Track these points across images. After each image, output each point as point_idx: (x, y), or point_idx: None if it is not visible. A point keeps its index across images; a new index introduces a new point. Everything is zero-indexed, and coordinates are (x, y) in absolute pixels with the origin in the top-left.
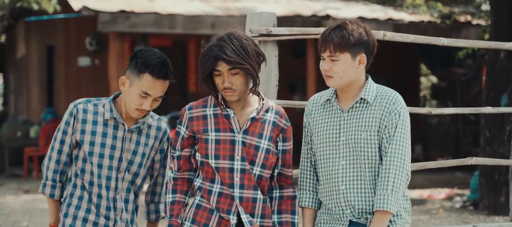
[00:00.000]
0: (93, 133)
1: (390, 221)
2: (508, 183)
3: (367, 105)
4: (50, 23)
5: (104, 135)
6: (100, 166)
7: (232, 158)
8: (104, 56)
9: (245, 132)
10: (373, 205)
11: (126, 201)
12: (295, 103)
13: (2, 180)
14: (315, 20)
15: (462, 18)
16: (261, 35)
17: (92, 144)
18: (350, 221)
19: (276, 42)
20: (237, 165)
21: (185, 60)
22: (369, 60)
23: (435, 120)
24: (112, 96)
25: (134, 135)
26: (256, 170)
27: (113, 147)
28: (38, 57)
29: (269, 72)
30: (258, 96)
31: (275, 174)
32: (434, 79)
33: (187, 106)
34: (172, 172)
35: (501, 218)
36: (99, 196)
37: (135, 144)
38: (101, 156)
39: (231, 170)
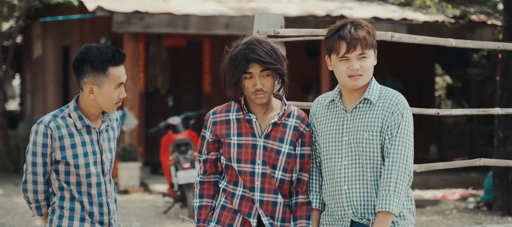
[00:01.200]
0: (73, 146)
1: (393, 222)
2: None
3: (371, 106)
4: (66, 24)
5: (83, 143)
6: (88, 175)
7: (253, 162)
8: None
9: (267, 137)
10: (375, 206)
11: (115, 201)
12: (303, 104)
13: (17, 180)
14: (329, 20)
15: (476, 18)
16: (269, 36)
17: (75, 156)
18: (352, 221)
19: (284, 43)
20: (258, 168)
21: (200, 61)
22: None
23: (450, 120)
24: (74, 105)
25: (104, 134)
26: (278, 174)
27: (94, 153)
28: (54, 57)
29: None
30: (281, 100)
31: (294, 178)
32: (449, 79)
33: (211, 111)
34: (198, 176)
35: None
36: (92, 204)
37: (107, 142)
38: (87, 165)
39: (252, 173)
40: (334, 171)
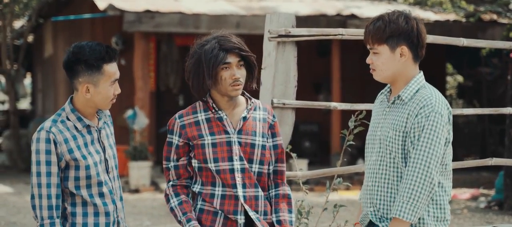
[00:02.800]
0: (78, 148)
1: None
2: None
3: (403, 104)
4: (77, 23)
5: (86, 144)
6: (98, 174)
7: (231, 159)
8: (130, 56)
9: (239, 132)
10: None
11: (121, 199)
12: (314, 104)
13: (28, 179)
14: (340, 20)
15: (487, 17)
16: (280, 36)
17: (84, 157)
18: (370, 221)
19: (295, 43)
20: (237, 165)
21: None
22: (416, 53)
23: (461, 120)
24: (70, 106)
25: (103, 131)
26: (255, 167)
27: (97, 152)
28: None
29: (288, 73)
30: (244, 96)
31: (270, 171)
32: (460, 78)
33: (176, 115)
34: (169, 182)
35: None
36: (105, 204)
37: (107, 139)
38: (95, 164)
39: (232, 170)
40: (366, 166)
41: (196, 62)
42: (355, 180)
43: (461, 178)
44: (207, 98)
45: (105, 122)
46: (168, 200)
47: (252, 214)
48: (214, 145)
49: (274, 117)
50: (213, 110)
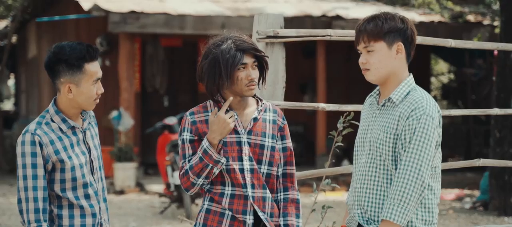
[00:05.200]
0: (65, 149)
1: None
2: None
3: (394, 106)
4: (61, 24)
5: (72, 145)
6: (83, 176)
7: (240, 159)
8: (114, 56)
9: (249, 132)
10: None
11: (105, 200)
12: (303, 105)
13: (13, 180)
14: (325, 21)
15: (472, 18)
16: (268, 37)
17: (70, 159)
18: (359, 224)
19: (283, 44)
20: (246, 165)
21: (195, 61)
22: (409, 51)
23: (446, 120)
24: (54, 108)
25: (88, 132)
26: (264, 168)
27: (83, 153)
28: None
29: (276, 74)
30: (254, 97)
31: (279, 174)
32: (444, 79)
33: (187, 113)
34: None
35: (511, 219)
36: (92, 205)
37: (92, 140)
38: (81, 166)
39: (242, 170)
40: (355, 168)
41: (212, 62)
42: (340, 181)
43: (446, 179)
44: (218, 97)
45: (89, 123)
46: (184, 174)
47: (261, 215)
48: (224, 144)
49: (284, 119)
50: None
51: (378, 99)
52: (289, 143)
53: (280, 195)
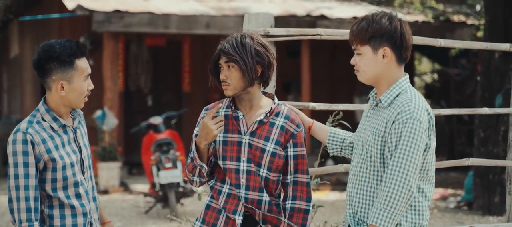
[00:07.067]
0: (56, 148)
1: None
2: (502, 182)
3: (383, 108)
4: (44, 23)
5: (63, 144)
6: (74, 175)
7: (238, 159)
8: (98, 56)
9: (252, 134)
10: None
11: (95, 200)
12: (293, 104)
13: None
14: (310, 20)
15: (456, 18)
16: None
17: (61, 158)
18: (348, 226)
19: (274, 43)
20: (243, 166)
21: (180, 60)
22: (400, 54)
23: None
24: (44, 107)
25: (78, 131)
26: (263, 172)
27: (74, 152)
28: (31, 57)
29: None
30: (273, 99)
31: (289, 181)
32: (428, 79)
33: (205, 108)
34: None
35: (495, 218)
36: (83, 205)
37: (81, 138)
38: (72, 164)
39: (237, 171)
40: (350, 167)
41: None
42: (325, 180)
43: None
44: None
45: (79, 122)
46: (188, 169)
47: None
48: (225, 143)
49: (299, 126)
50: (233, 109)
51: (375, 98)
52: (301, 150)
53: (288, 203)
